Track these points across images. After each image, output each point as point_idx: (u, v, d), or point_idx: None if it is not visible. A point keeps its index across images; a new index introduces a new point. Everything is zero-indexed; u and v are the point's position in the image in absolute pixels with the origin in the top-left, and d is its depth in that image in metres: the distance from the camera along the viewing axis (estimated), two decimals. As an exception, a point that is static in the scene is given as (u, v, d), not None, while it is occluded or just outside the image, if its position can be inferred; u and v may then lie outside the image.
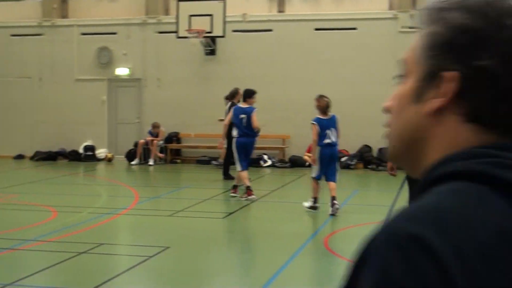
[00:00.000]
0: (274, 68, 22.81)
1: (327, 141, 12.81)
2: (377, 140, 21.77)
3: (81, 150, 23.64)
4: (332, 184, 12.83)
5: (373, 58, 22.35)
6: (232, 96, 17.65)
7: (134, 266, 8.79)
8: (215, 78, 22.99)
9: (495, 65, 1.24)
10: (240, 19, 23.08)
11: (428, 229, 1.07)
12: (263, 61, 22.93)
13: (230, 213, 13.38)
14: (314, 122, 13.07)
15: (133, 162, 22.39)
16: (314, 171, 12.87)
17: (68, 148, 23.95)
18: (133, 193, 15.96)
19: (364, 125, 21.96)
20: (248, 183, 14.67)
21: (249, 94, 15.71)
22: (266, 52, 22.98)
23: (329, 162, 12.91)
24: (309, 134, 20.88)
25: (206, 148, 22.36)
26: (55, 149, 24.08)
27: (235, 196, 14.89)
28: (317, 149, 12.86)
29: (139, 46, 23.87)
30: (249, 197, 14.58)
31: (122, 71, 23.96)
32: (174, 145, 23.35)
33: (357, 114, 22.15)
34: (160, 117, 23.13)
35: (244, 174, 14.77)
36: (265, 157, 22.15)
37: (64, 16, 24.72)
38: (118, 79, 24.14)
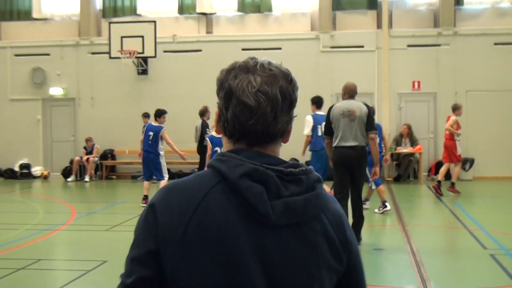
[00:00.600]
0: (204, 86, 22.93)
1: None
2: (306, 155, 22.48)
3: (16, 168, 23.54)
4: None
5: (296, 75, 22.82)
6: (202, 114, 18.25)
7: (72, 281, 8.69)
8: (147, 96, 23.14)
9: (221, 103, 2.23)
10: (171, 40, 23.35)
11: (158, 197, 2.20)
12: (193, 80, 23.14)
13: None
14: None
15: (69, 179, 22.36)
16: None
17: (4, 167, 23.85)
18: (70, 209, 15.87)
19: (290, 140, 22.58)
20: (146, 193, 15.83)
21: (158, 114, 16.15)
22: (196, 71, 23.16)
23: None
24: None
25: (140, 164, 22.56)
26: (-10, 167, 24.06)
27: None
28: None
29: (72, 66, 23.89)
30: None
31: (56, 90, 23.90)
32: (109, 162, 23.38)
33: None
34: (95, 134, 23.13)
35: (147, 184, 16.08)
36: (197, 171, 22.41)
37: (-3, 38, 24.73)
38: (53, 98, 24.08)
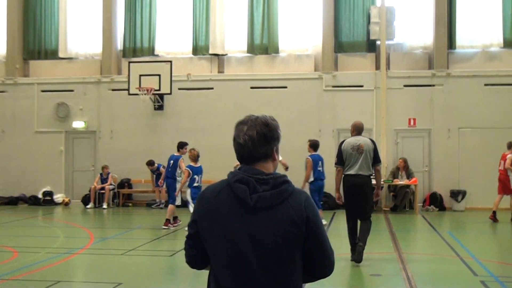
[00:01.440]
0: (215, 121, 23.05)
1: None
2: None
3: (40, 195, 23.54)
4: None
5: (300, 112, 22.86)
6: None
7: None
8: (163, 130, 23.23)
9: (234, 141, 3.63)
10: (185, 78, 23.42)
11: (201, 192, 3.70)
12: (205, 115, 23.25)
13: (177, 251, 13.13)
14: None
15: (88, 206, 22.35)
16: None
17: (28, 194, 23.82)
18: (88, 234, 15.89)
19: (295, 169, 22.46)
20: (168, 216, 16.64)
21: (180, 145, 16.98)
22: (208, 107, 23.30)
23: None
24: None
25: (154, 192, 22.59)
26: (16, 194, 23.93)
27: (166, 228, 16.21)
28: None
29: (94, 101, 23.98)
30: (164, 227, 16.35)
31: (78, 124, 23.96)
32: (125, 190, 23.32)
33: (287, 160, 22.69)
34: (113, 164, 23.25)
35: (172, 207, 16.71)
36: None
37: (26, 75, 24.75)
38: (75, 131, 24.12)
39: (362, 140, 12.05)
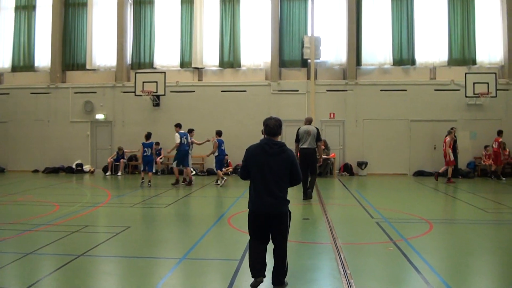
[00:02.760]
0: (196, 114, 23.10)
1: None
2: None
3: (73, 166, 23.43)
4: None
5: (255, 108, 22.95)
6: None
7: (108, 239, 8.76)
8: (159, 121, 23.19)
9: (264, 128, 6.11)
10: (175, 84, 23.37)
11: (249, 147, 6.10)
12: (189, 110, 23.20)
13: (170, 204, 13.22)
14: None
15: (106, 174, 22.40)
16: None
17: (66, 165, 23.69)
18: (107, 193, 15.84)
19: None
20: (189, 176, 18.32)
21: (189, 130, 18.77)
22: (191, 105, 23.27)
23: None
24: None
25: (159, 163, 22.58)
26: (57, 165, 23.78)
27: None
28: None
29: (111, 100, 23.83)
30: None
31: (100, 116, 23.82)
32: (133, 162, 23.23)
33: (245, 142, 22.91)
34: (124, 144, 23.14)
35: (189, 170, 18.20)
36: (192, 169, 22.35)
37: (63, 81, 24.43)
38: (97, 121, 23.95)
39: (310, 127, 14.16)
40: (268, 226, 5.92)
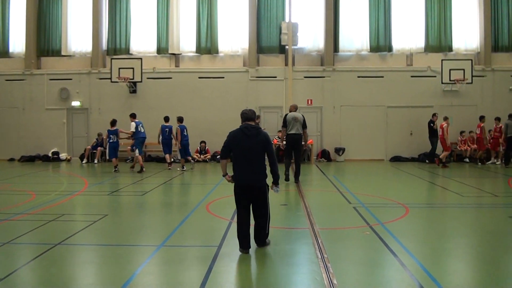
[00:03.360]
0: (173, 101, 23.02)
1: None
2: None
3: (50, 154, 23.15)
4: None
5: (233, 95, 22.96)
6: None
7: (85, 227, 8.71)
8: (136, 108, 22.80)
9: (243, 114, 7.33)
10: (152, 71, 23.24)
11: (231, 132, 7.19)
12: (166, 97, 23.10)
13: (148, 191, 13.18)
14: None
15: (83, 162, 22.15)
16: None
17: (42, 153, 23.40)
18: (84, 181, 15.71)
19: (222, 132, 22.79)
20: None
21: (179, 119, 18.93)
22: (168, 91, 23.16)
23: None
24: (197, 141, 21.67)
25: (126, 151, 21.95)
26: (33, 154, 23.45)
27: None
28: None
29: (86, 87, 23.53)
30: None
31: (75, 103, 23.51)
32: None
33: (224, 128, 22.91)
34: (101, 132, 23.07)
35: (139, 157, 18.23)
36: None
37: (39, 68, 24.04)
38: (73, 108, 23.64)
39: (297, 114, 14.78)
40: (250, 196, 7.11)
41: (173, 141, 19.08)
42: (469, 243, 7.92)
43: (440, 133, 20.14)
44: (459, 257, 7.27)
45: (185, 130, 18.83)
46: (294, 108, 15.08)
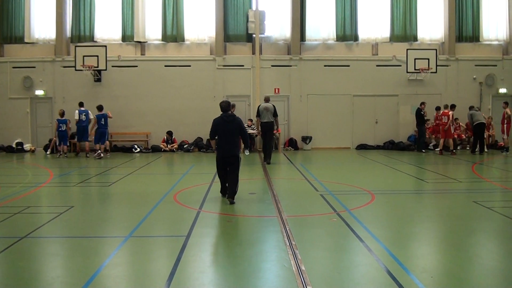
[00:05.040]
0: (139, 90, 22.77)
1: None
2: (206, 133, 22.69)
3: (13, 145, 22.54)
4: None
5: (200, 84, 22.84)
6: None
7: (51, 220, 8.61)
8: (101, 96, 22.58)
9: (221, 105, 10.22)
10: (117, 59, 22.86)
11: (215, 119, 10.10)
12: (131, 86, 22.79)
13: (115, 182, 13.09)
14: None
15: (48, 152, 21.66)
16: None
17: (5, 144, 22.77)
18: (49, 172, 15.49)
19: (196, 124, 22.73)
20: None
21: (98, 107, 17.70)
22: (134, 80, 22.84)
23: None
24: (163, 131, 21.61)
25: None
26: (-5, 145, 22.97)
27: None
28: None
29: (50, 75, 22.97)
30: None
31: (39, 92, 22.95)
32: (74, 141, 21.97)
33: (191, 117, 22.85)
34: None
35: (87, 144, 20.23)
36: (136, 146, 22.18)
37: (1, 55, 23.32)
38: (37, 97, 23.07)
39: (268, 105, 17.29)
40: (228, 162, 10.02)
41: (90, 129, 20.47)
42: (434, 228, 8.12)
43: (445, 120, 20.21)
44: (424, 241, 7.45)
45: (102, 119, 19.97)
46: (266, 100, 17.57)
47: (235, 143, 10.00)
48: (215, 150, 10.22)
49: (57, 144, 20.48)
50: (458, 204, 10.12)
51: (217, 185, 11.31)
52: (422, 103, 21.22)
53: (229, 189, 9.91)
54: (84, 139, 20.29)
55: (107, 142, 20.58)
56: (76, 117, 20.13)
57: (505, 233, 7.76)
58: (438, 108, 21.39)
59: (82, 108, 20.30)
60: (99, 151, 19.67)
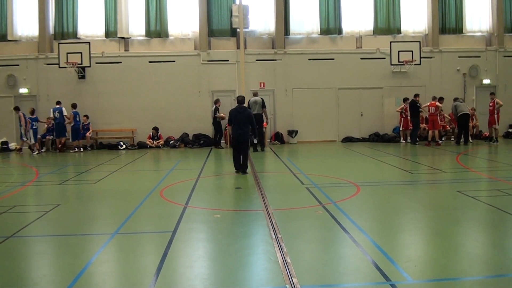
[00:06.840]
0: (124, 86, 22.70)
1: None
2: (192, 129, 22.63)
3: (-2, 145, 22.48)
4: None
5: (185, 79, 22.81)
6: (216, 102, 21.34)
7: (37, 219, 8.55)
8: (85, 93, 22.54)
9: (238, 99, 13.57)
10: (100, 55, 22.77)
11: (232, 109, 13.37)
12: (116, 82, 22.73)
13: (100, 179, 13.05)
14: None
15: (34, 152, 21.35)
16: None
17: (-11, 144, 22.63)
18: (34, 171, 15.39)
19: (182, 120, 22.69)
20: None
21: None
22: (118, 76, 22.76)
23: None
24: (149, 127, 21.53)
25: (82, 139, 22.02)
26: (-20, 144, 22.67)
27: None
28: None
29: (34, 73, 22.78)
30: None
31: (23, 90, 22.76)
32: (50, 137, 22.02)
33: (176, 113, 22.81)
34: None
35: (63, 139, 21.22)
36: (121, 143, 22.09)
37: (-18, 53, 23.20)
38: (21, 95, 22.84)
39: (257, 98, 19.32)
40: (239, 144, 12.91)
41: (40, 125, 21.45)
42: (419, 218, 8.20)
43: (432, 111, 20.27)
44: (409, 232, 7.52)
45: (77, 116, 21.36)
46: (255, 94, 19.64)
47: (245, 128, 12.95)
48: (231, 134, 13.64)
49: (30, 141, 21.07)
50: (442, 194, 10.24)
51: (203, 180, 11.44)
52: (417, 95, 21.16)
53: (242, 164, 13.11)
54: (62, 135, 21.26)
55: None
56: (50, 114, 21.12)
57: (489, 222, 7.87)
58: (434, 99, 21.45)
59: (57, 106, 21.08)
60: (76, 148, 21.05)
